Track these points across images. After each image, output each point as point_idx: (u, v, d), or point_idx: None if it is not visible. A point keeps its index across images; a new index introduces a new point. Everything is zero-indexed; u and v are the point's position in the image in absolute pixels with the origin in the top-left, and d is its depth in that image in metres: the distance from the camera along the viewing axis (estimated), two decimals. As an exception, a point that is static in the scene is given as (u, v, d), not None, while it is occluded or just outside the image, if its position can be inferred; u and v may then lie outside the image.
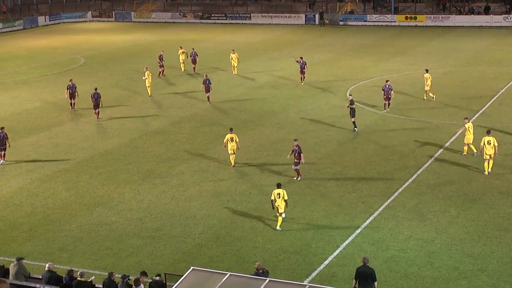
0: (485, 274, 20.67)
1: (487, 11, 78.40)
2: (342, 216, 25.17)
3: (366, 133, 35.45)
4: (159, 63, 51.74)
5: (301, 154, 28.66)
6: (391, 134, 35.07)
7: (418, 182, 28.38)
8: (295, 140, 29.48)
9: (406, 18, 79.68)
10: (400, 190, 27.51)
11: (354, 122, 35.89)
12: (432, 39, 67.43)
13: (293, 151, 28.82)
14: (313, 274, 20.98)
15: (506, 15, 76.61)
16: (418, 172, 29.49)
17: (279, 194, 24.24)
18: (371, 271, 18.55)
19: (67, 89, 41.94)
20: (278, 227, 24.36)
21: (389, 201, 26.44)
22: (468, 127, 30.99)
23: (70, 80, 42.60)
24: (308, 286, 15.70)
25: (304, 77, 48.11)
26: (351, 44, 66.55)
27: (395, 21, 79.79)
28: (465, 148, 31.38)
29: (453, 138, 33.96)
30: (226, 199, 27.20)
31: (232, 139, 30.73)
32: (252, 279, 16.41)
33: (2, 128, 33.29)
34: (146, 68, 46.32)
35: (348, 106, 35.95)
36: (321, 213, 25.55)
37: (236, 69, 52.44)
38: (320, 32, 75.98)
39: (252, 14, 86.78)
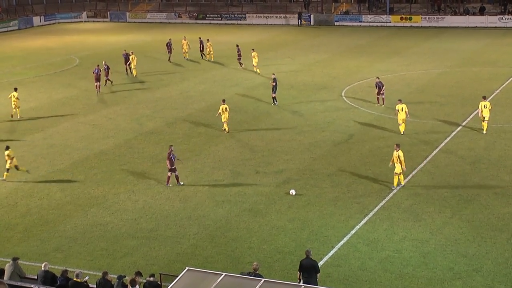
0: (480, 275, 20.71)
1: (482, 12, 78.53)
2: (337, 217, 25.20)
3: (361, 134, 35.49)
4: (167, 49, 58.01)
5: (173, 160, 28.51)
6: (386, 135, 35.10)
7: (413, 182, 28.43)
8: (171, 145, 29.22)
9: (401, 18, 79.75)
10: (395, 190, 27.55)
11: (274, 97, 41.49)
12: (427, 40, 67.52)
13: (169, 157, 28.43)
14: (308, 275, 20.98)
15: (501, 16, 76.75)
16: (413, 172, 29.53)
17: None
18: (314, 263, 19.19)
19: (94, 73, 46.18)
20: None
21: (384, 201, 26.47)
22: (401, 108, 34.34)
23: (97, 66, 46.76)
24: (303, 286, 15.70)
25: (240, 61, 54.35)
26: (346, 44, 66.60)
27: (390, 22, 79.85)
28: (401, 127, 34.80)
29: (448, 139, 34.05)
30: (221, 200, 27.19)
31: (226, 109, 35.63)
32: (247, 280, 16.39)
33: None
34: (132, 52, 52.45)
35: (271, 84, 41.43)
36: (316, 213, 25.56)
37: (212, 56, 58.42)
38: (315, 33, 76.00)
39: (247, 15, 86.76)
